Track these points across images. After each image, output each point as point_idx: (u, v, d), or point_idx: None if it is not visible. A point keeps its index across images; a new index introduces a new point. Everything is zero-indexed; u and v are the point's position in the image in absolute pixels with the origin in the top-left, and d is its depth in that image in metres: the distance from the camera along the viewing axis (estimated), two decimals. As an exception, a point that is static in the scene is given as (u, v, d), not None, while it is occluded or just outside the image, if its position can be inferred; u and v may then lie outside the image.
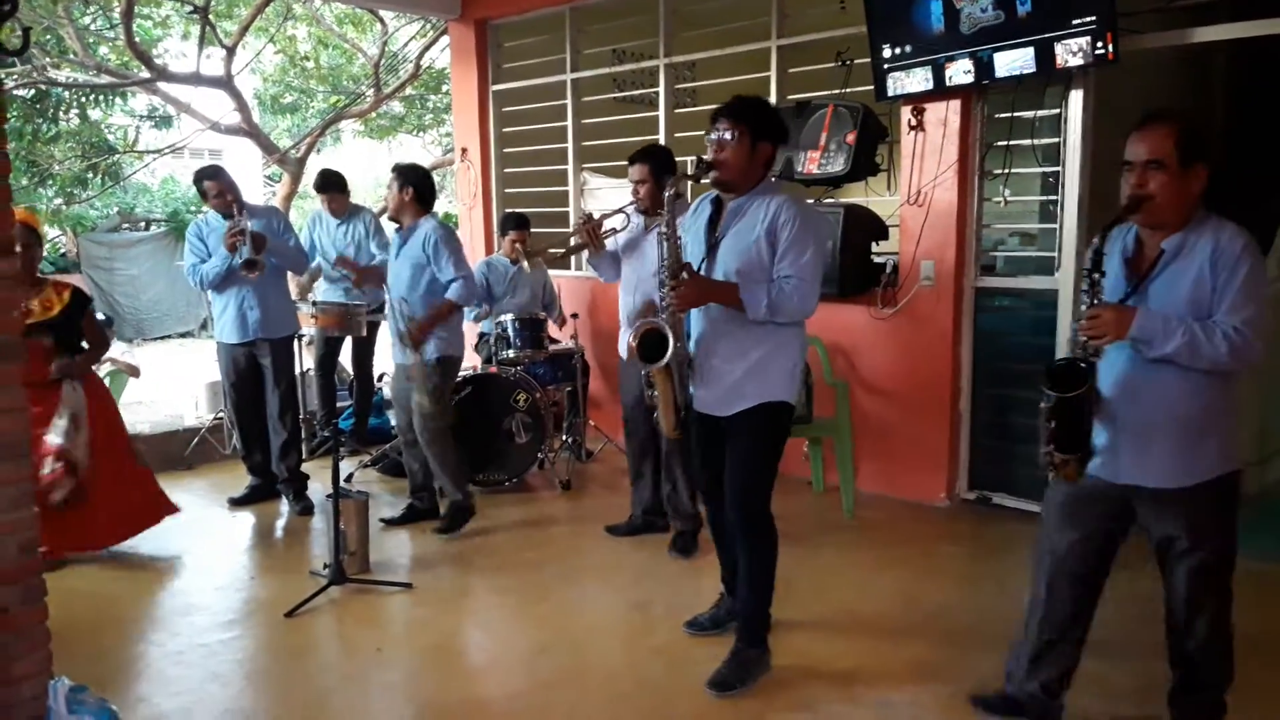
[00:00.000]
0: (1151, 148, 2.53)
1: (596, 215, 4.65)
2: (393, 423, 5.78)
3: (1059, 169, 4.83)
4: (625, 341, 4.58)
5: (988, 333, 5.21)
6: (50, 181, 11.96)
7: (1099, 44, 4.26)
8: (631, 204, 4.50)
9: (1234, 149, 6.52)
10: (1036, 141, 4.89)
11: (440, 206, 5.23)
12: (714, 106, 6.18)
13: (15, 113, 11.24)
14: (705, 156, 3.26)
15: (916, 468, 5.38)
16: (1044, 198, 5.01)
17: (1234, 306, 2.48)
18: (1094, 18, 4.26)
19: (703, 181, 3.35)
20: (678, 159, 4.74)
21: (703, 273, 3.25)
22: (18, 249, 3.84)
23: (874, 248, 5.48)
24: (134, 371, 7.51)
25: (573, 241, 4.70)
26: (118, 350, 7.70)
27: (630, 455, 4.86)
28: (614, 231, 4.58)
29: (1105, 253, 2.59)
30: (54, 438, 4.36)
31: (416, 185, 4.88)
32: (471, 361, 6.21)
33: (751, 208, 3.23)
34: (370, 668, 3.53)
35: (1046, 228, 4.99)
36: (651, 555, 4.62)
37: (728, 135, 3.18)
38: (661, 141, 6.38)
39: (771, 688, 3.31)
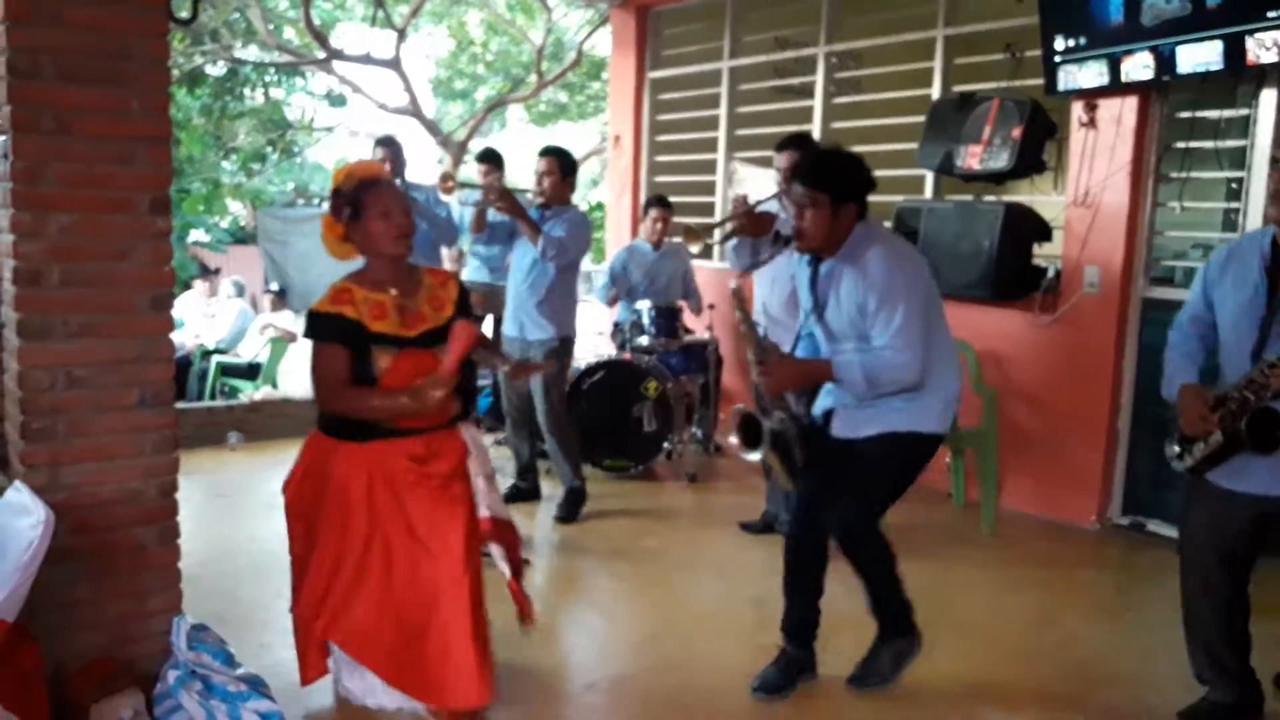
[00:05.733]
0: None
1: (751, 199, 4.39)
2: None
3: (1244, 174, 4.45)
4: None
5: (1154, 348, 4.85)
6: (233, 155, 12.70)
7: (1298, 38, 3.90)
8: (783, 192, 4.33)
9: None
10: (1220, 144, 4.52)
11: (595, 195, 5.28)
12: (878, 96, 6.02)
13: (208, 90, 12.01)
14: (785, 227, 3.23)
15: (1066, 486, 5.07)
16: (1225, 205, 4.63)
17: None
18: (1295, 9, 3.89)
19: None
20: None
21: (817, 332, 3.17)
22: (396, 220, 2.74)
23: (1035, 250, 5.18)
24: (291, 337, 7.89)
25: (728, 226, 4.45)
26: (287, 319, 8.09)
27: None
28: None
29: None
30: (483, 510, 2.90)
31: (574, 172, 4.94)
32: (607, 349, 6.23)
33: (844, 273, 3.01)
34: (481, 638, 3.56)
35: (1227, 237, 4.61)
36: (774, 553, 4.49)
37: (807, 203, 2.97)
38: (816, 132, 6.24)
39: (887, 701, 3.17)
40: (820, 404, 3.25)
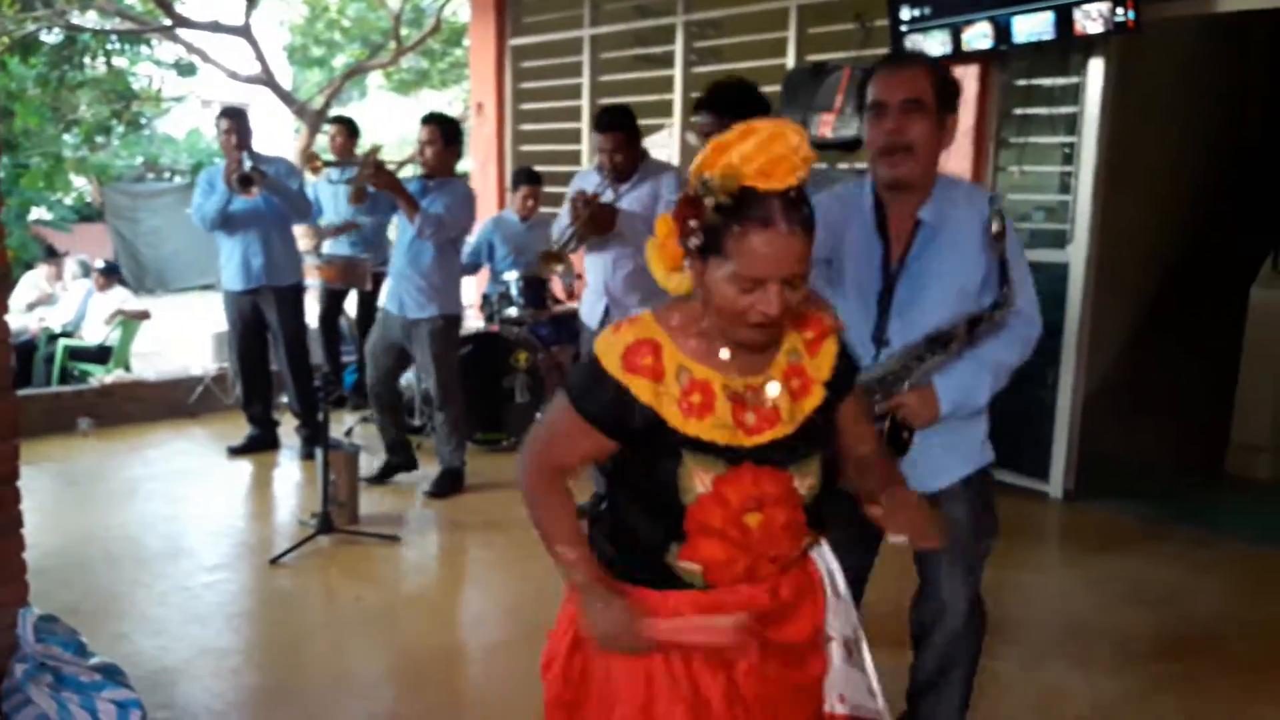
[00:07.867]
0: (909, 86, 2.08)
1: (590, 191, 4.05)
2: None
3: (1075, 139, 4.71)
4: (589, 308, 4.27)
5: (997, 306, 5.10)
6: (74, 129, 12.03)
7: (1119, 10, 4.13)
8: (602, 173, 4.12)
9: (1277, 130, 6.34)
10: (1055, 110, 4.77)
11: (460, 165, 5.16)
12: (738, 65, 6.11)
13: (43, 58, 11.31)
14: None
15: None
16: (1060, 169, 4.90)
17: (1017, 289, 2.09)
18: (1116, -18, 4.13)
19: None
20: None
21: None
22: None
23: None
24: (144, 315, 7.56)
25: (570, 233, 4.01)
26: (121, 297, 7.68)
27: None
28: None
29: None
30: (834, 702, 1.72)
31: (459, 140, 4.79)
32: (475, 322, 6.19)
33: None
34: (349, 615, 3.54)
35: (1062, 199, 4.88)
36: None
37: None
38: (678, 101, 6.31)
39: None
40: None
